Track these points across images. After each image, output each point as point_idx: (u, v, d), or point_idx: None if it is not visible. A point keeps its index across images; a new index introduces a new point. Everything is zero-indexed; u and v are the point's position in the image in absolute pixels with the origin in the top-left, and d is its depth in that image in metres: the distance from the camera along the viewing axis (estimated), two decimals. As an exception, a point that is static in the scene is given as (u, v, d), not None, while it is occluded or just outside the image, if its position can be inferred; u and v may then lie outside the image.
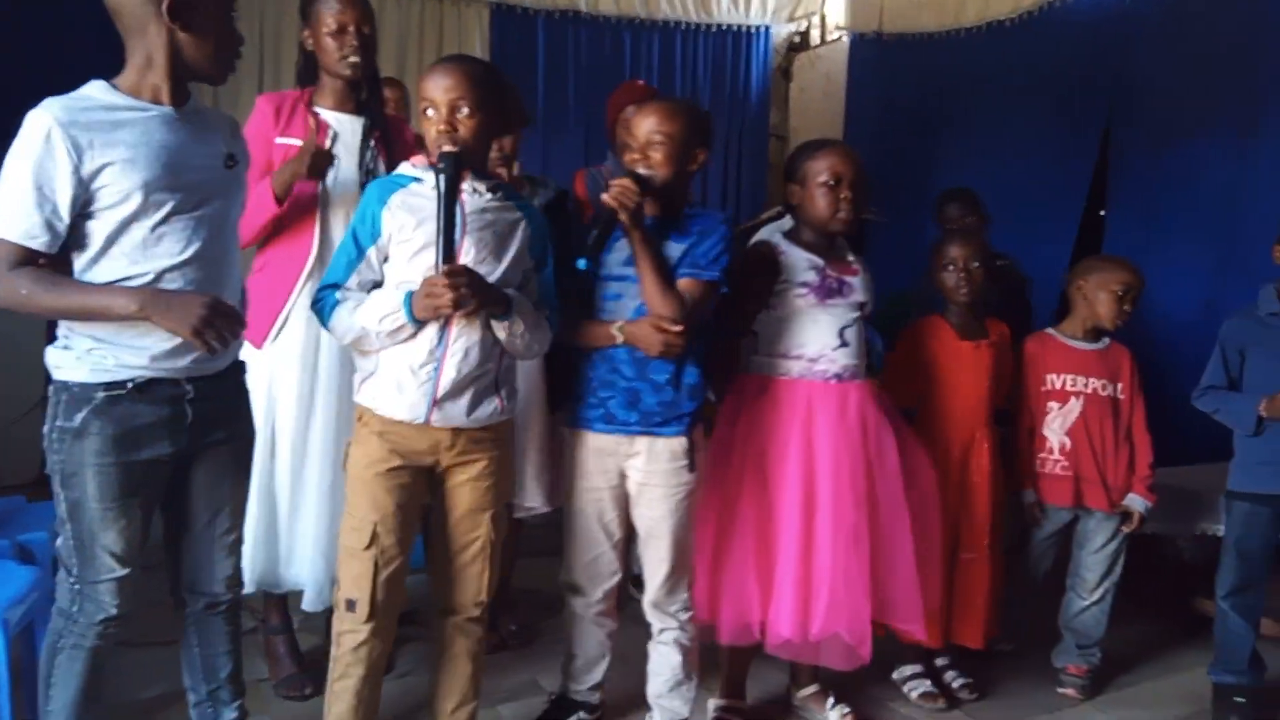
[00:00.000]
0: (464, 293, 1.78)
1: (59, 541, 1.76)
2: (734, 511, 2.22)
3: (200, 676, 1.96)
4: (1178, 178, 4.09)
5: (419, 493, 1.96)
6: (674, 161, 2.05)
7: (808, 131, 5.42)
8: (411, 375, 1.86)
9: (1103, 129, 4.42)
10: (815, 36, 6.15)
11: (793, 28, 6.07)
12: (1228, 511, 2.60)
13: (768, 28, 5.92)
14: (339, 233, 2.26)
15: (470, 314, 1.85)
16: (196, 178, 1.71)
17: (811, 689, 2.50)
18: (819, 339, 2.21)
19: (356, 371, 1.97)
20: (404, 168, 1.94)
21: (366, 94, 2.38)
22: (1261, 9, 3.84)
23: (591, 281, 2.10)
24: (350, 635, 1.90)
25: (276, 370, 2.34)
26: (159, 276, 1.68)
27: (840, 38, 5.84)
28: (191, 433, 1.77)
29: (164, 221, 1.67)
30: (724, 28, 5.79)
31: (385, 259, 1.89)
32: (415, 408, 1.87)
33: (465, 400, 1.91)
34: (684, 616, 2.19)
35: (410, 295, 1.82)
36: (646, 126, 2.06)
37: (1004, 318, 2.75)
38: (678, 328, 1.99)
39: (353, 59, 2.30)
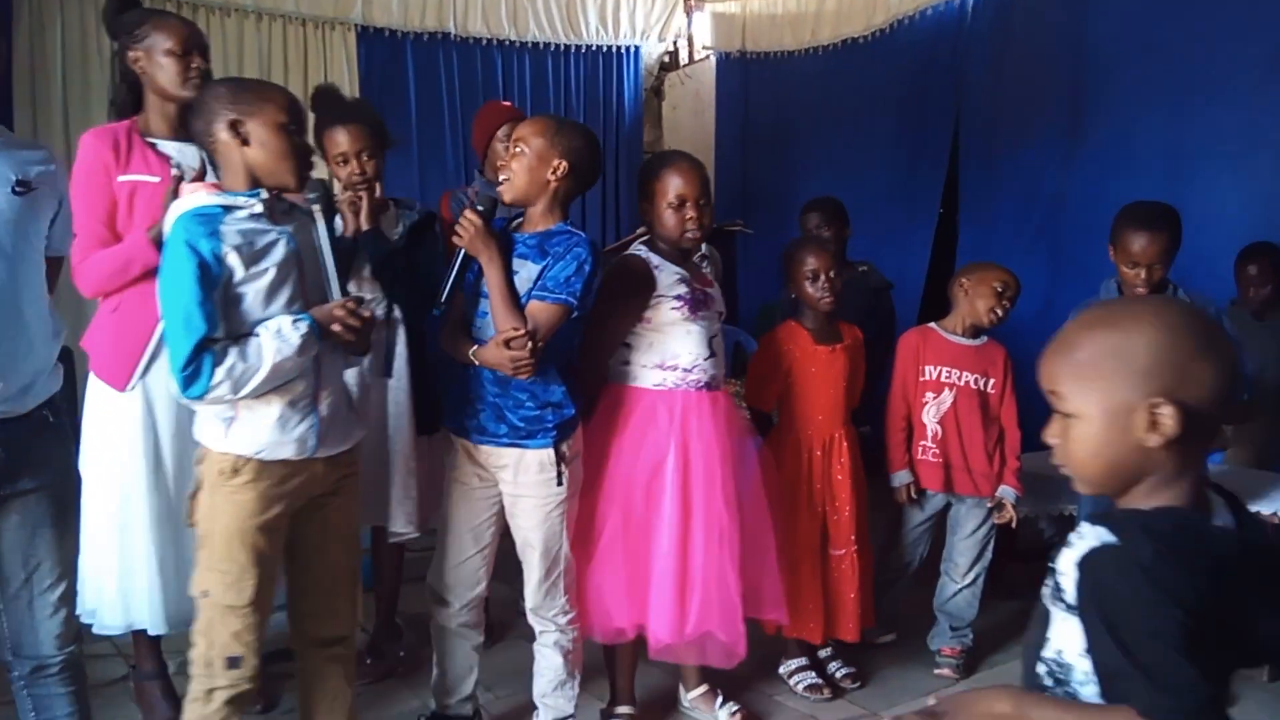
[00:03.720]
0: (370, 322, 1.83)
1: None
2: (607, 518, 2.26)
3: None
4: (1015, 185, 4.36)
5: (284, 533, 1.89)
6: (531, 170, 2.08)
7: (681, 148, 5.54)
8: (292, 410, 1.80)
9: (951, 139, 4.67)
10: (684, 55, 6.30)
11: (662, 47, 6.21)
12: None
13: (637, 48, 6.02)
14: None
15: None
16: None
17: (700, 689, 2.54)
18: (692, 350, 2.28)
19: (207, 422, 1.82)
20: (199, 198, 1.77)
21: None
22: (1079, 25, 4.13)
23: (470, 299, 2.14)
24: (227, 690, 1.81)
25: (154, 405, 2.25)
26: None
27: (707, 56, 6.00)
28: None
29: None
30: (594, 48, 5.86)
31: (228, 301, 1.73)
32: (303, 442, 1.82)
33: (340, 424, 1.89)
34: (562, 620, 2.23)
35: (313, 320, 1.77)
36: (515, 134, 2.14)
37: (868, 320, 2.88)
38: (521, 341, 2.00)
39: (197, 80, 2.22)
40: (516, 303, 2.05)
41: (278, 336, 1.73)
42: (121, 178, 2.21)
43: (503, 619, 2.39)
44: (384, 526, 2.63)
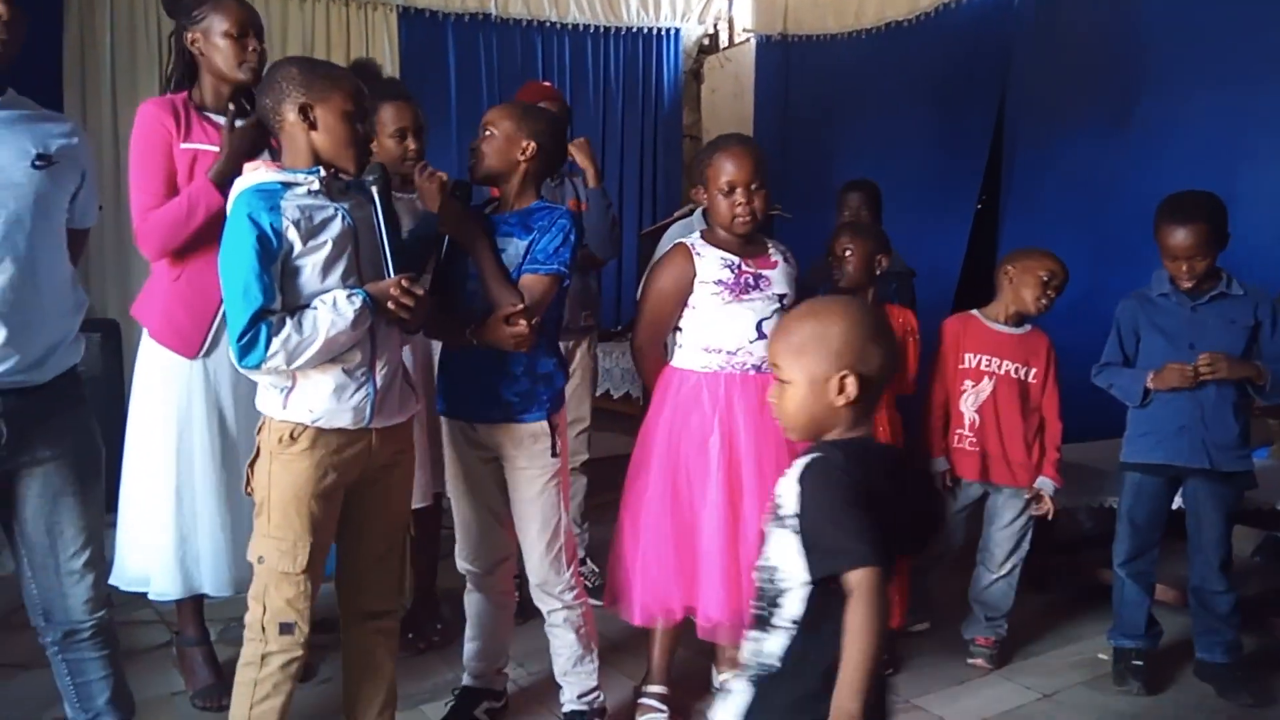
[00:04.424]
0: (422, 300, 1.85)
1: None
2: (655, 499, 2.27)
3: (77, 705, 1.89)
4: (1061, 170, 4.29)
5: (340, 504, 1.92)
6: (497, 152, 2.15)
7: (720, 131, 5.50)
8: (349, 379, 1.83)
9: (994, 125, 4.60)
10: (724, 39, 6.26)
11: (702, 30, 6.17)
12: (1121, 482, 2.74)
13: (677, 30, 6.00)
14: None
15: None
16: None
17: (734, 672, 2.54)
18: (736, 333, 2.28)
19: (266, 391, 1.86)
20: (260, 174, 1.83)
21: (245, 97, 2.33)
22: (1130, 9, 4.06)
23: (456, 282, 2.17)
24: (280, 655, 1.85)
25: (219, 374, 2.31)
26: None
27: (748, 39, 5.96)
28: (9, 449, 1.69)
29: None
30: (634, 30, 5.85)
31: (286, 273, 1.78)
32: (360, 412, 1.85)
33: (395, 396, 1.93)
34: (568, 596, 2.25)
35: (367, 295, 1.80)
36: (483, 119, 2.20)
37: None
38: (520, 314, 2.04)
39: (253, 64, 2.27)
40: (509, 278, 2.10)
41: (333, 309, 1.76)
42: (184, 145, 2.26)
43: (530, 597, 2.43)
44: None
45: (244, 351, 1.73)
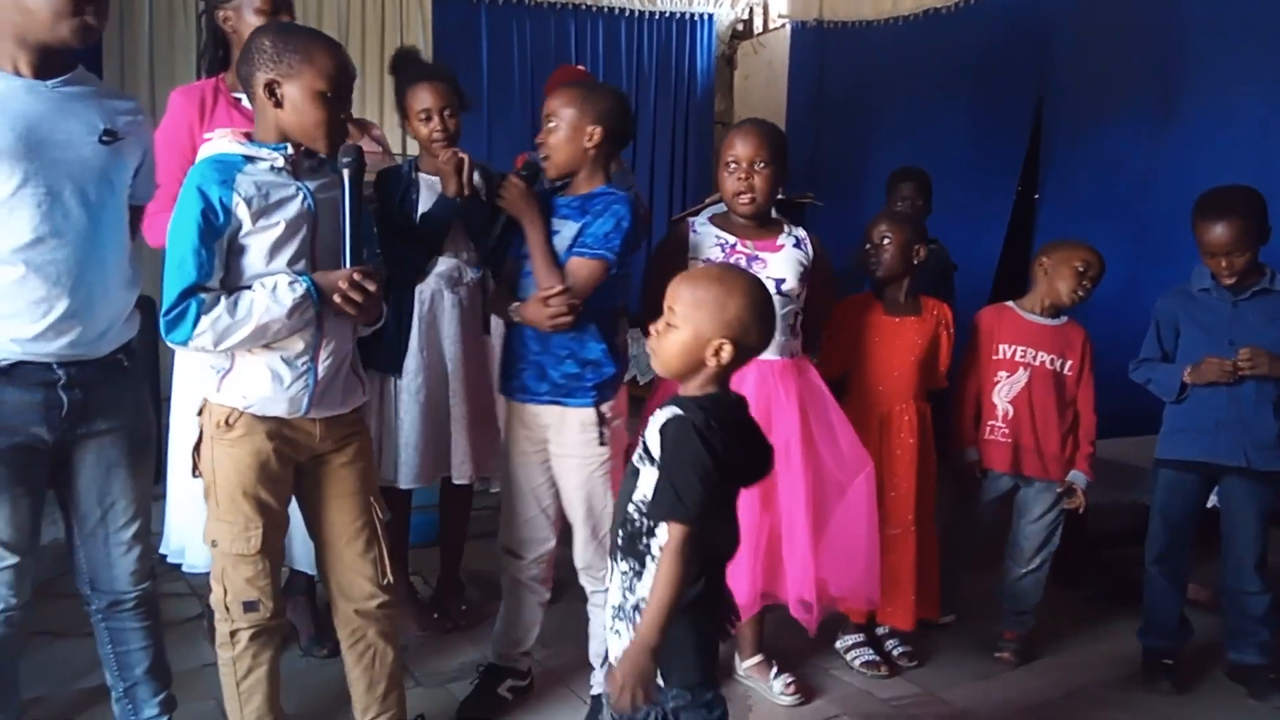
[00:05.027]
0: (373, 295, 1.77)
1: None
2: None
3: (116, 673, 1.92)
4: (1100, 162, 4.23)
5: (291, 483, 1.88)
6: (567, 141, 2.12)
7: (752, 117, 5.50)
8: (288, 367, 1.77)
9: (1033, 115, 4.54)
10: (758, 24, 6.22)
11: (735, 15, 6.13)
12: (1154, 479, 2.70)
13: (711, 15, 5.96)
14: None
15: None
16: (60, 153, 1.64)
17: (756, 659, 2.54)
18: None
19: (205, 372, 1.82)
20: (224, 144, 1.75)
21: None
22: (1174, 2, 3.97)
23: (515, 261, 2.20)
24: (249, 630, 1.84)
25: None
26: (13, 255, 1.60)
27: (782, 25, 5.91)
28: (68, 420, 1.71)
29: (15, 194, 1.59)
30: (668, 15, 5.83)
31: (233, 251, 1.71)
32: (295, 403, 1.79)
33: (338, 388, 1.86)
34: None
35: (312, 281, 1.73)
36: (545, 109, 2.17)
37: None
38: (558, 296, 2.04)
39: None
40: (555, 261, 2.10)
41: (271, 295, 1.70)
42: (205, 135, 2.25)
43: (559, 578, 2.42)
44: (449, 479, 2.66)
45: (169, 326, 1.68)
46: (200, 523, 2.27)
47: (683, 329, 1.53)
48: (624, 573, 1.56)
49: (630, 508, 1.56)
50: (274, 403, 1.77)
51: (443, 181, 2.42)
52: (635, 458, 1.57)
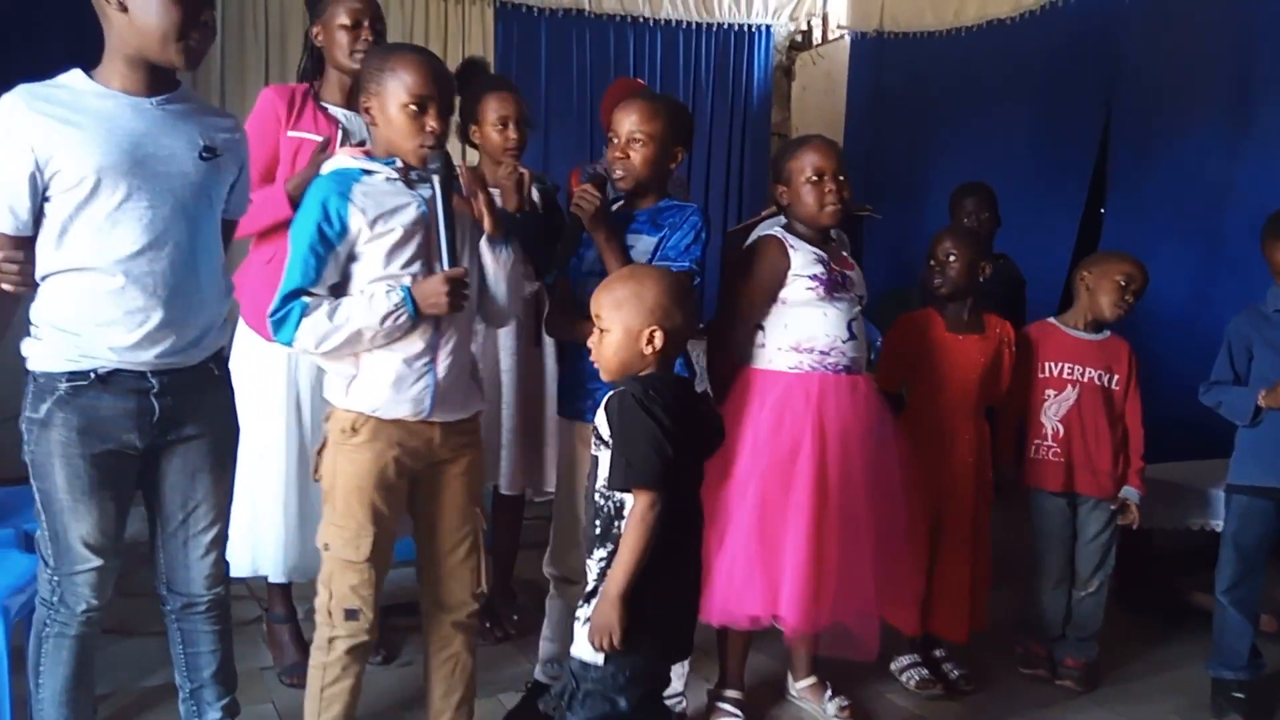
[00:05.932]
0: (468, 295, 1.83)
1: (37, 533, 1.76)
2: (741, 503, 2.22)
3: (184, 674, 1.96)
4: (1171, 175, 4.11)
5: (406, 494, 1.94)
6: (654, 161, 2.12)
7: (809, 130, 5.46)
8: (409, 370, 1.83)
9: (1102, 127, 4.43)
10: (817, 35, 6.18)
11: (794, 26, 6.10)
12: (1227, 505, 2.62)
13: (769, 26, 5.94)
14: None
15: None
16: (163, 168, 1.69)
17: (809, 680, 2.51)
18: (829, 331, 2.24)
19: (332, 379, 1.89)
20: (343, 160, 1.87)
21: None
22: (1249, 9, 3.85)
23: (579, 277, 2.17)
24: (346, 639, 1.88)
25: (299, 358, 2.35)
26: (115, 266, 1.65)
27: (842, 36, 5.87)
28: (159, 427, 1.75)
29: (119, 208, 1.65)
30: (726, 27, 5.82)
31: (352, 258, 1.81)
32: (419, 403, 1.84)
33: (459, 391, 1.92)
34: None
35: (409, 291, 1.79)
36: (628, 125, 2.13)
37: (1004, 314, 2.77)
38: None
39: (365, 53, 2.31)
40: None
41: (367, 303, 1.77)
42: (290, 133, 2.34)
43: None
44: (498, 489, 2.68)
45: (275, 326, 1.78)
46: (243, 528, 2.32)
47: (614, 330, 1.65)
48: (600, 559, 1.63)
49: (597, 495, 1.64)
50: (398, 405, 1.83)
51: (503, 196, 2.44)
52: (592, 446, 1.66)
